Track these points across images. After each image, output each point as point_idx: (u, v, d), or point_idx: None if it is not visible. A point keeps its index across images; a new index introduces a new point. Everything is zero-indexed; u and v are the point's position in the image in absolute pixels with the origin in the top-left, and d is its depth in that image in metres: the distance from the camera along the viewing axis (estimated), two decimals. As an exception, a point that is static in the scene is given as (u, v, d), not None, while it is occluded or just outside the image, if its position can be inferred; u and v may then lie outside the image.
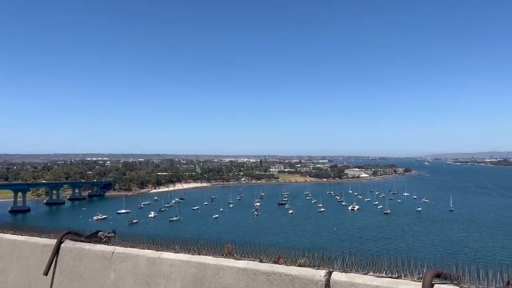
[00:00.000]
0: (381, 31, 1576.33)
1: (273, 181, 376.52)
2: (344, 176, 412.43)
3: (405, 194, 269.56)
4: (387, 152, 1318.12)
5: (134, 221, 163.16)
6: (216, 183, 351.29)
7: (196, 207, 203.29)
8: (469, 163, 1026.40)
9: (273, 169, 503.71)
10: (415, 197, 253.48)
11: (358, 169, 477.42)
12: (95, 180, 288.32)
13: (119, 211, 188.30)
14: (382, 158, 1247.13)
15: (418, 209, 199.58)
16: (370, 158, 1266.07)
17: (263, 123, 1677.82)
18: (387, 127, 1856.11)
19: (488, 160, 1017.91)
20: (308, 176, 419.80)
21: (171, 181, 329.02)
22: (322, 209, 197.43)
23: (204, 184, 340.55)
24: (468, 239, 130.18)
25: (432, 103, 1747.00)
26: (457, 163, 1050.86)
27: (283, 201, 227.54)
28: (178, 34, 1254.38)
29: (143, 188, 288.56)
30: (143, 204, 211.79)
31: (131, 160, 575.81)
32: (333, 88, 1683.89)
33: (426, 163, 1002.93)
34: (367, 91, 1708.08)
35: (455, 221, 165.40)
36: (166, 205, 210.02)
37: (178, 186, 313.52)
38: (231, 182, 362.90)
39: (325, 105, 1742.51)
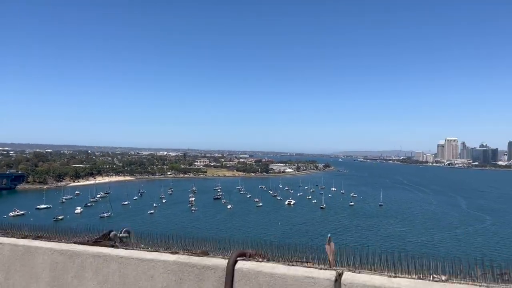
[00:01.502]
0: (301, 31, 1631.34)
1: (201, 175, 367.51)
2: (271, 171, 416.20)
3: (333, 189, 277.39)
4: (303, 148, 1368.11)
5: (60, 217, 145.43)
6: (140, 177, 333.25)
7: (126, 202, 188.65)
8: (378, 160, 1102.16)
9: (198, 163, 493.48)
10: (343, 192, 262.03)
11: (282, 164, 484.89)
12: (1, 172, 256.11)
13: (38, 206, 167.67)
14: (298, 154, 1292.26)
15: (351, 204, 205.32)
16: (288, 154, 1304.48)
17: (183, 118, 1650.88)
18: (303, 125, 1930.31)
19: (395, 158, 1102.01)
20: (235, 171, 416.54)
21: (91, 174, 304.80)
22: (260, 204, 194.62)
23: (128, 178, 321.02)
24: (407, 233, 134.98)
25: (343, 103, 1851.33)
26: (368, 160, 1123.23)
27: (218, 195, 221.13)
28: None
29: (61, 181, 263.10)
30: (65, 199, 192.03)
31: (37, 150, 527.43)
32: (252, 88, 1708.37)
33: (339, 159, 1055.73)
34: (284, 94, 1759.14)
35: (389, 216, 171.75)
36: (92, 199, 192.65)
37: (100, 180, 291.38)
38: (156, 176, 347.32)
39: (245, 103, 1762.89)
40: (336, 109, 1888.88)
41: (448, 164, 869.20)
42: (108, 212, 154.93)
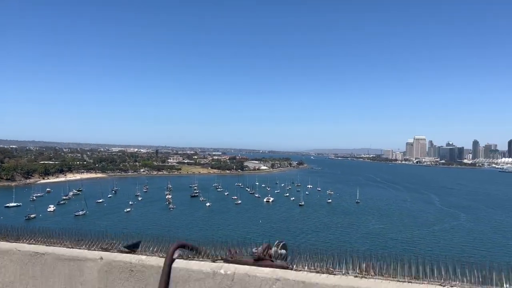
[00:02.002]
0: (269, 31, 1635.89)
1: (176, 173, 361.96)
2: (246, 168, 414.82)
3: (309, 186, 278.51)
4: (275, 146, 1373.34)
5: (32, 216, 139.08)
6: (113, 174, 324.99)
7: (100, 200, 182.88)
8: (349, 158, 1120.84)
9: (172, 161, 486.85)
10: (319, 189, 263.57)
11: (257, 162, 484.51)
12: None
13: (7, 204, 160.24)
14: (271, 151, 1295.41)
15: (329, 201, 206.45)
16: (261, 151, 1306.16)
17: (153, 115, 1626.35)
18: (275, 123, 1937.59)
19: (365, 156, 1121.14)
20: (209, 168, 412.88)
21: (60, 170, 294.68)
22: (239, 202, 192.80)
23: (100, 175, 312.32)
24: (387, 231, 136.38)
25: (314, 102, 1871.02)
26: (339, 158, 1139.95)
27: (195, 193, 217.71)
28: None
29: (29, 178, 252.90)
30: (35, 196, 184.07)
31: (0, 146, 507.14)
32: (223, 86, 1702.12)
33: (311, 157, 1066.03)
34: (255, 92, 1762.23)
35: (367, 213, 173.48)
36: (64, 197, 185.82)
37: (70, 177, 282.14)
38: (129, 173, 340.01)
39: (217, 101, 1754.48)
40: (308, 108, 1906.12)
41: (417, 162, 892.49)
42: (83, 210, 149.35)
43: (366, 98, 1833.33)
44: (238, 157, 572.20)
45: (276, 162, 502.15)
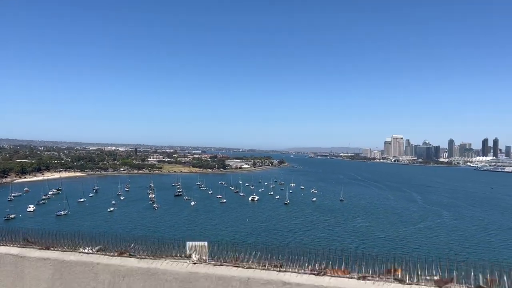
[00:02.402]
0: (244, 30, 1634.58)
1: (157, 171, 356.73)
2: (228, 167, 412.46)
3: (292, 184, 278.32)
4: (255, 144, 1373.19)
5: (11, 216, 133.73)
6: (92, 172, 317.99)
7: (82, 200, 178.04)
8: (328, 157, 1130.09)
9: (152, 159, 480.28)
10: (303, 187, 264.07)
11: (238, 160, 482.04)
12: None
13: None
14: (251, 150, 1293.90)
15: (313, 199, 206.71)
16: (241, 150, 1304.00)
17: (131, 113, 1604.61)
18: (254, 122, 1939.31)
19: (344, 154, 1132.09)
20: (191, 167, 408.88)
21: (38, 169, 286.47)
22: (224, 200, 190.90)
23: (79, 174, 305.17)
24: (374, 229, 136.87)
25: (293, 101, 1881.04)
26: (318, 157, 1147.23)
27: (179, 192, 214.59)
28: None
29: (5, 177, 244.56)
30: (13, 196, 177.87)
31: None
32: (202, 84, 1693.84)
33: (291, 155, 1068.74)
34: (234, 91, 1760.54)
35: (352, 211, 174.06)
36: (44, 196, 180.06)
37: (48, 176, 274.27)
38: (109, 172, 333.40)
39: (196, 99, 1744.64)
40: (287, 107, 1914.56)
41: (395, 161, 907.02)
42: (65, 210, 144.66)
43: (345, 97, 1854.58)
44: (219, 156, 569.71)
45: (258, 160, 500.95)
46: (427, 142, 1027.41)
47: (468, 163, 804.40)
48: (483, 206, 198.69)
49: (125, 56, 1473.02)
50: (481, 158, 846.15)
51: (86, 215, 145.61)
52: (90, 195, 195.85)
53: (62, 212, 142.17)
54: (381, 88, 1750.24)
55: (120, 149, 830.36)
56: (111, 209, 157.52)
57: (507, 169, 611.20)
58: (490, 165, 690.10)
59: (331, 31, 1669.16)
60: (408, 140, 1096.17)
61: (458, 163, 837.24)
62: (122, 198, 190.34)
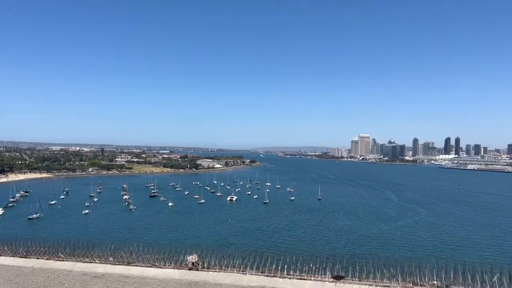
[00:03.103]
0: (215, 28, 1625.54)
1: (127, 172, 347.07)
2: (200, 167, 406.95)
3: (268, 184, 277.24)
4: (223, 144, 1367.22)
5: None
6: (59, 173, 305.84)
7: (53, 202, 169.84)
8: (297, 156, 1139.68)
9: (120, 159, 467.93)
10: (279, 186, 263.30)
11: (210, 160, 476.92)
12: None
13: None
14: (220, 149, 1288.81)
15: (292, 198, 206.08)
16: (209, 149, 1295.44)
17: (94, 113, 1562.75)
18: (223, 122, 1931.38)
19: (313, 154, 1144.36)
20: (162, 167, 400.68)
21: (1, 171, 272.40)
22: (202, 201, 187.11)
23: (45, 175, 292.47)
24: (357, 227, 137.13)
25: (261, 102, 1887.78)
26: (287, 156, 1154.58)
27: (154, 193, 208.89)
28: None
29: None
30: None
31: None
32: (168, 83, 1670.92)
33: (261, 155, 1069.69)
34: (201, 90, 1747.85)
35: (332, 209, 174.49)
36: (12, 199, 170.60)
37: (13, 177, 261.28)
38: (77, 173, 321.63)
39: (161, 99, 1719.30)
40: (256, 106, 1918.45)
41: (362, 159, 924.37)
42: (37, 213, 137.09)
43: (312, 97, 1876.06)
44: (190, 156, 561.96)
45: (230, 160, 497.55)
46: (392, 141, 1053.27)
47: (432, 161, 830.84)
48: (456, 203, 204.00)
49: (85, 55, 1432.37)
50: (444, 156, 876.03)
51: (60, 218, 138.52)
52: (61, 197, 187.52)
53: (34, 216, 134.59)
54: (349, 88, 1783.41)
55: (84, 149, 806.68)
56: (86, 211, 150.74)
57: (469, 166, 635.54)
58: (453, 163, 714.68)
59: (297, 31, 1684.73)
60: (374, 139, 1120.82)
61: (422, 161, 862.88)
62: (95, 199, 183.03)
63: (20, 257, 6.83)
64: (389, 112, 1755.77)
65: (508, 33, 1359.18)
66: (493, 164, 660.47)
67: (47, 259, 6.90)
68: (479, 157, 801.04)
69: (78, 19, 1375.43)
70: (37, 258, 6.77)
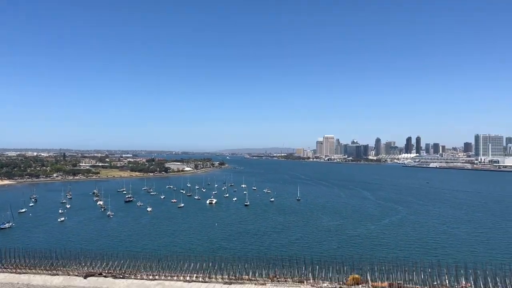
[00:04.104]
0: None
1: (94, 177, 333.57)
2: (170, 170, 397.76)
3: (243, 185, 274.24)
4: (187, 146, 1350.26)
5: None
6: (22, 180, 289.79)
7: (23, 210, 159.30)
8: (263, 157, 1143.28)
9: (84, 164, 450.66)
10: (255, 188, 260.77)
11: (179, 163, 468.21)
12: None
13: None
14: (184, 152, 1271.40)
15: (271, 199, 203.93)
16: (173, 152, 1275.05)
17: (49, 117, 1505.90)
18: (187, 123, 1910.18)
19: (279, 155, 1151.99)
20: (129, 171, 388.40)
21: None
22: (181, 205, 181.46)
23: (7, 182, 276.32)
24: (344, 227, 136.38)
25: (222, 104, 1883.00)
26: (254, 157, 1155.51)
27: (130, 198, 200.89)
28: None
29: None
30: None
31: None
32: (125, 86, 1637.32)
33: (227, 157, 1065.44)
34: (162, 93, 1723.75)
35: (314, 210, 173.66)
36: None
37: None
38: (41, 179, 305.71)
39: (120, 102, 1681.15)
40: (219, 108, 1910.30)
41: (328, 160, 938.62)
42: (9, 222, 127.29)
43: (276, 98, 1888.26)
44: (156, 159, 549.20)
45: (199, 163, 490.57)
46: (355, 141, 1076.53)
47: (395, 160, 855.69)
48: (431, 201, 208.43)
49: (31, 56, 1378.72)
50: (406, 155, 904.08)
51: (35, 227, 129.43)
52: (30, 204, 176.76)
53: (7, 225, 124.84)
54: (311, 89, 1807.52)
55: (43, 154, 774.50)
56: (62, 219, 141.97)
57: (431, 164, 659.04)
58: (415, 162, 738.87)
59: (260, 32, 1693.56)
60: (338, 140, 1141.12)
61: (385, 160, 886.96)
62: (68, 206, 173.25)
63: None
64: (352, 113, 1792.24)
65: (461, 33, 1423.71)
66: (453, 162, 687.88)
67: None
68: (438, 155, 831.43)
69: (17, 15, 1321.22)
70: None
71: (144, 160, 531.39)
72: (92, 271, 11.80)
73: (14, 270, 9.68)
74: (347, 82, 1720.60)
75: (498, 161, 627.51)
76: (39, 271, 8.46)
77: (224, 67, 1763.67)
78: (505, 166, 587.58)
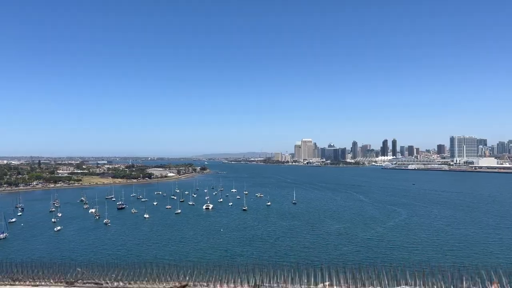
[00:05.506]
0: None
1: (76, 184, 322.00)
2: (153, 176, 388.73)
3: (233, 190, 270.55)
4: (162, 152, 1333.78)
5: None
6: (1, 189, 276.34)
7: (13, 220, 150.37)
8: (242, 162, 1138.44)
9: (62, 171, 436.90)
10: (246, 192, 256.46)
11: (162, 169, 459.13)
12: None
13: None
14: (160, 158, 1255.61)
15: (268, 204, 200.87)
16: (149, 158, 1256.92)
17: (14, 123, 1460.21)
18: (162, 129, 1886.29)
19: (257, 159, 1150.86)
20: (110, 178, 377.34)
21: None
22: (179, 211, 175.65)
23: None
24: (352, 230, 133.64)
25: (197, 108, 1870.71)
26: (232, 162, 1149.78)
27: (122, 205, 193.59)
28: None
29: None
30: None
31: None
32: (94, 91, 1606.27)
33: (205, 162, 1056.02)
34: (131, 97, 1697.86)
35: (315, 213, 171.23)
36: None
37: None
38: (21, 187, 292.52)
39: (93, 107, 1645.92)
40: (194, 113, 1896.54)
41: (307, 163, 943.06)
42: (3, 232, 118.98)
43: (250, 104, 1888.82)
44: (136, 165, 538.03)
45: (181, 168, 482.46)
46: (332, 144, 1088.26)
47: (373, 163, 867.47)
48: (425, 202, 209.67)
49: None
50: (383, 158, 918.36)
51: (30, 238, 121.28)
52: (18, 213, 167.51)
53: (1, 236, 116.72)
54: (289, 93, 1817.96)
55: (13, 162, 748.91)
56: (58, 228, 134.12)
57: (410, 166, 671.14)
58: (393, 164, 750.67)
59: (236, 34, 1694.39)
60: (315, 143, 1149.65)
61: (363, 163, 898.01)
62: (59, 215, 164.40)
63: None
64: (328, 116, 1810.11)
65: (440, 35, 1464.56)
66: (430, 164, 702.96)
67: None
68: (413, 158, 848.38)
69: None
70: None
71: (123, 167, 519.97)
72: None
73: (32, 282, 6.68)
74: (322, 88, 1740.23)
75: (473, 162, 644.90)
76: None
77: (196, 72, 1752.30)
78: (480, 167, 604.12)
